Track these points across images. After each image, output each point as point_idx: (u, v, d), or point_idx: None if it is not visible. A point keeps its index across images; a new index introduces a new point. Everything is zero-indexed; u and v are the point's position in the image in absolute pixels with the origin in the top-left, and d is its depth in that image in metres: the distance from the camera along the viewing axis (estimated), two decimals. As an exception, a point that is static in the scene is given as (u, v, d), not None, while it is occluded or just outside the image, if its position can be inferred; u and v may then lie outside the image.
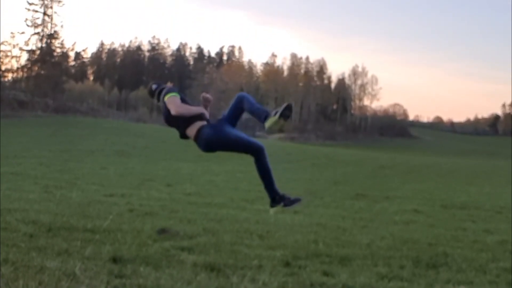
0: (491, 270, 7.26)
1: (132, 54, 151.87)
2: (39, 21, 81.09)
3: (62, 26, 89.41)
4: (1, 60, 78.82)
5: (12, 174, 17.35)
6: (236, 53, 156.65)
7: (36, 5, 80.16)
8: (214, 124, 6.05)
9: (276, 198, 6.00)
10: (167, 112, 6.02)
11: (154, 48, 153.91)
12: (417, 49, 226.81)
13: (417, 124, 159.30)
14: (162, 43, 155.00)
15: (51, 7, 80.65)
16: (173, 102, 5.98)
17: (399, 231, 11.06)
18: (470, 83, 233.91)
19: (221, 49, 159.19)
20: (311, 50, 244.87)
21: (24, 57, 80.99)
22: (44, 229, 8.01)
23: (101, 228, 8.26)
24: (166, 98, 6.02)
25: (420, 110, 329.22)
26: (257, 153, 5.97)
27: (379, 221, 12.59)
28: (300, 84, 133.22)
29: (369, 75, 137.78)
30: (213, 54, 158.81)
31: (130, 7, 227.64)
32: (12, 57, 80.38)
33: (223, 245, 6.95)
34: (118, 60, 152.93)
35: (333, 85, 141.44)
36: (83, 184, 16.36)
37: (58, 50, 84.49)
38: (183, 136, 6.13)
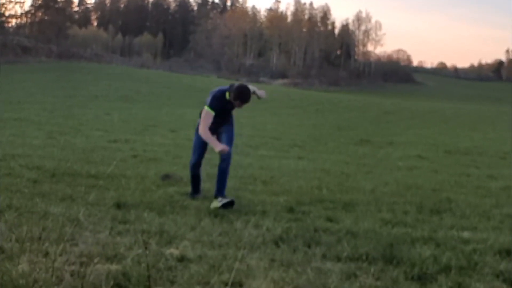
0: (495, 216, 7.26)
1: (136, 0, 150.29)
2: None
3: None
4: (5, 6, 78.38)
5: (15, 120, 17.37)
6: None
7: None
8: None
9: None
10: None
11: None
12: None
13: (420, 70, 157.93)
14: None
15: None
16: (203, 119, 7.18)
17: (402, 177, 11.08)
18: (474, 29, 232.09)
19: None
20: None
21: (28, 3, 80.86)
22: (48, 175, 8.03)
23: (104, 174, 8.27)
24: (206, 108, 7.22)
25: (424, 56, 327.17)
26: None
27: (382, 167, 12.61)
28: (304, 30, 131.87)
29: (373, 21, 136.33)
30: (216, 0, 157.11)
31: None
32: (16, 2, 79.99)
33: (227, 191, 6.94)
34: (122, 5, 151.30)
35: (336, 31, 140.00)
36: (87, 130, 16.39)
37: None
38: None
